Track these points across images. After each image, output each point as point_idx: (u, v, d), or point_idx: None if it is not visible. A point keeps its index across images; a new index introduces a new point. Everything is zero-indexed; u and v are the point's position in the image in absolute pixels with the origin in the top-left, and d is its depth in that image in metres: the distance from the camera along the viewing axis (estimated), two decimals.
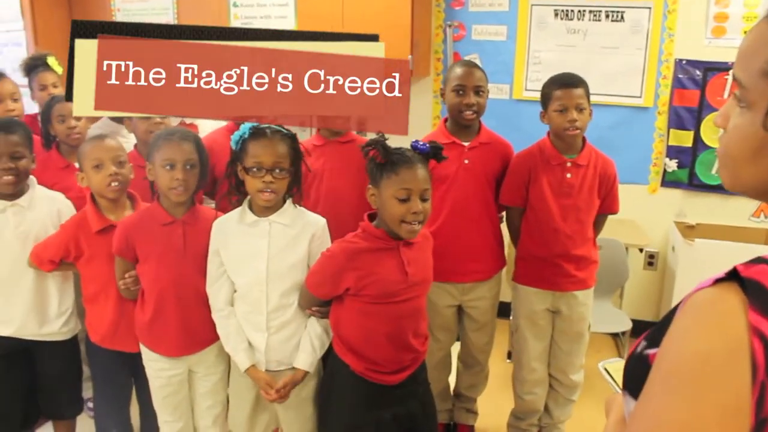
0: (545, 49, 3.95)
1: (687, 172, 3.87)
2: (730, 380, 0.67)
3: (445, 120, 2.76)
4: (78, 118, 2.82)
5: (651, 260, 4.05)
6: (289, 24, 3.96)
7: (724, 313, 0.71)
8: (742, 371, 0.67)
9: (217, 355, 2.29)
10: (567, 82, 2.53)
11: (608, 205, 2.69)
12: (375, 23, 3.79)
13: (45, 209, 2.42)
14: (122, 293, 2.29)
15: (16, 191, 2.36)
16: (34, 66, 3.32)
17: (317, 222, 2.16)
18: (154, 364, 2.29)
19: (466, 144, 2.66)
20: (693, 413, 0.67)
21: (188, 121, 3.10)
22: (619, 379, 1.24)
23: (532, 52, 3.98)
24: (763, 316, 0.69)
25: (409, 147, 2.01)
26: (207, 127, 3.10)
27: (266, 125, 2.04)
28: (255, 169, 2.00)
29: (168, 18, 4.21)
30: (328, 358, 2.18)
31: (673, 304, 3.56)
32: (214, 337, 2.23)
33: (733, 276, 0.73)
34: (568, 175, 2.59)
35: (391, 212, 1.95)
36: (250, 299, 2.12)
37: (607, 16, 3.82)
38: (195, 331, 2.23)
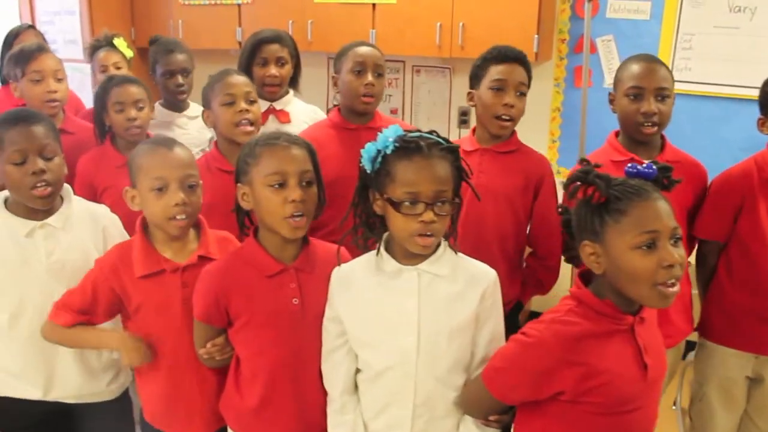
0: (699, 32, 3.21)
1: None
2: None
3: (617, 133, 2.09)
4: (140, 107, 2.23)
5: None
6: None
7: None
8: None
9: None
10: None
11: None
12: None
13: (86, 230, 1.81)
14: (204, 362, 1.65)
15: (48, 206, 1.75)
16: (97, 47, 2.76)
17: (487, 275, 1.48)
18: None
19: None
20: None
21: (278, 106, 2.51)
22: None
23: (681, 35, 3.24)
24: None
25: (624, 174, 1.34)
26: (299, 117, 2.51)
27: (416, 133, 1.39)
28: (408, 203, 1.36)
29: None
30: None
31: None
32: None
33: None
34: None
35: (634, 272, 1.26)
36: (388, 386, 1.47)
37: None
38: (314, 417, 1.60)
